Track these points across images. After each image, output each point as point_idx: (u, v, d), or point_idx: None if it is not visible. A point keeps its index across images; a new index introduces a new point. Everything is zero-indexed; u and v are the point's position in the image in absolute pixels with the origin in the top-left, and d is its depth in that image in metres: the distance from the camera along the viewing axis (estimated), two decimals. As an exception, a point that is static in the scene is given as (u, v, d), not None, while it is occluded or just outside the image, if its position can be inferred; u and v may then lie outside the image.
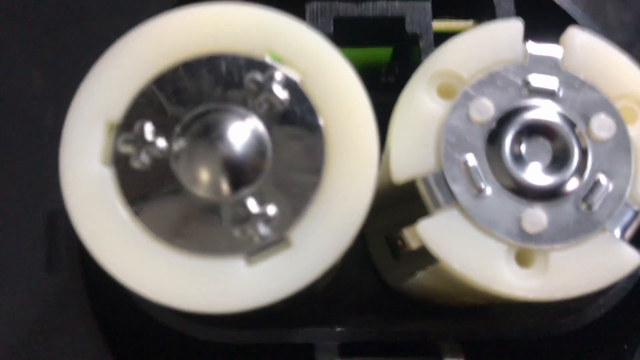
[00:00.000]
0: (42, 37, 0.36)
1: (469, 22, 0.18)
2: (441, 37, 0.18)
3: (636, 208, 0.14)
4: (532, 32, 0.17)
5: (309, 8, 0.16)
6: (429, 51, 0.16)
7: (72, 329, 0.31)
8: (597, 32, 0.19)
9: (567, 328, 0.15)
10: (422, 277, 0.17)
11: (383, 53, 0.19)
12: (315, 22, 0.16)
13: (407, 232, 0.21)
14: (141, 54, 0.13)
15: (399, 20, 0.17)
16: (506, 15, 0.17)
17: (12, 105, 0.35)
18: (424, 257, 0.17)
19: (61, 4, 0.36)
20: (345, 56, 0.18)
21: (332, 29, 0.17)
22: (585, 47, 0.15)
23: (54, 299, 0.31)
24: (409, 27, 0.17)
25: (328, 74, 0.13)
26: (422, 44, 0.16)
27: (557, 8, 0.18)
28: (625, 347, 0.17)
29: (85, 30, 0.36)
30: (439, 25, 0.18)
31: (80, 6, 0.35)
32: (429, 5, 0.17)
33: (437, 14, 0.18)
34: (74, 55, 0.35)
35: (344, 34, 0.17)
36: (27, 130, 0.35)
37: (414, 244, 0.21)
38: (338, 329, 0.15)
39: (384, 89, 0.22)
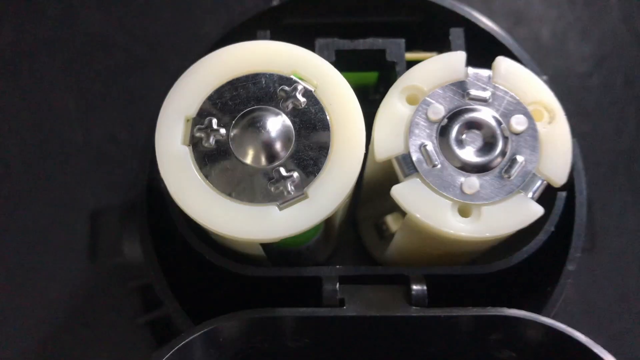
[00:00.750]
0: (75, 67, 0.40)
1: (433, 53, 0.25)
2: (413, 64, 0.26)
3: (541, 178, 0.21)
4: (477, 60, 0.24)
5: (318, 43, 0.23)
6: (402, 74, 0.23)
7: (113, 312, 0.36)
8: (528, 59, 0.26)
9: (498, 267, 0.21)
10: (397, 238, 0.24)
11: (371, 76, 0.25)
12: (323, 53, 0.23)
13: (388, 219, 0.28)
14: (208, 72, 0.20)
15: (382, 52, 0.23)
16: (458, 47, 0.23)
17: (48, 125, 0.39)
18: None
19: (92, 38, 0.40)
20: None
21: (334, 58, 0.23)
22: (508, 69, 0.21)
23: (97, 283, 0.36)
24: (389, 57, 0.23)
25: (332, 86, 0.20)
26: (397, 69, 0.23)
27: (497, 42, 0.25)
28: (548, 288, 0.24)
29: (112, 60, 0.40)
30: (411, 55, 0.24)
31: (107, 39, 0.40)
32: (403, 41, 0.23)
33: (410, 47, 0.24)
34: (101, 83, 0.39)
35: (343, 61, 0.23)
36: (62, 145, 0.39)
37: (393, 227, 0.28)
38: (337, 266, 0.22)
39: (371, 103, 0.29)
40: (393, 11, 0.25)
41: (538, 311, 0.22)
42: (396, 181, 0.21)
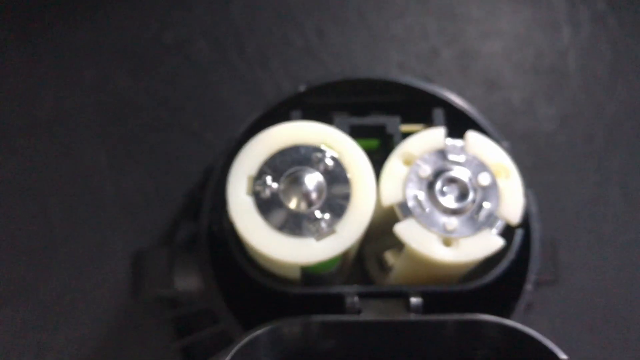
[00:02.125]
0: (108, 128, 0.45)
1: (421, 125, 0.30)
2: (406, 134, 0.36)
3: (501, 219, 0.31)
4: (455, 129, 0.35)
5: (336, 120, 0.30)
6: (398, 143, 0.29)
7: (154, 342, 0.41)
8: (492, 129, 0.37)
9: (474, 285, 0.28)
10: (397, 264, 0.34)
11: (374, 142, 0.32)
12: (340, 127, 0.29)
13: (387, 254, 0.39)
14: (263, 145, 0.29)
15: (383, 127, 0.30)
16: (439, 123, 0.30)
17: (82, 180, 0.44)
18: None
19: (122, 102, 0.45)
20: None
21: (348, 130, 0.30)
22: (476, 140, 0.27)
23: (136, 319, 0.42)
24: (388, 131, 0.30)
25: (351, 153, 0.26)
26: (395, 139, 0.30)
27: (468, 116, 0.35)
28: (512, 303, 0.34)
29: (139, 122, 0.45)
30: (405, 127, 0.30)
31: (136, 103, 0.45)
32: (398, 119, 0.30)
33: (404, 120, 0.30)
34: (130, 141, 0.45)
35: (355, 132, 0.28)
36: (93, 199, 0.44)
37: (391, 261, 0.38)
38: (355, 285, 0.31)
39: (375, 163, 0.39)
40: (389, 94, 0.36)
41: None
42: (396, 221, 0.32)
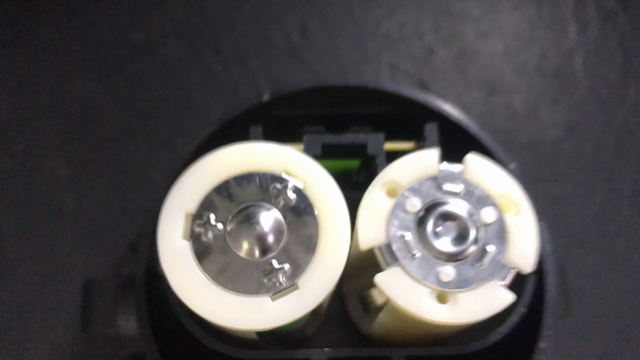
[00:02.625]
0: (68, 135, 0.41)
1: (411, 144, 0.26)
2: (392, 154, 0.28)
3: (510, 266, 0.24)
4: (451, 150, 0.27)
5: (306, 138, 0.25)
6: (382, 166, 0.24)
7: None
8: (497, 148, 0.29)
9: (476, 348, 0.23)
10: (381, 317, 0.26)
11: (355, 163, 0.27)
12: (310, 147, 0.25)
13: (374, 292, 0.30)
14: (208, 172, 0.22)
15: (363, 146, 0.25)
16: (432, 141, 0.25)
17: (40, 191, 0.40)
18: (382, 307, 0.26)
19: (85, 107, 0.41)
20: (329, 165, 0.28)
21: (320, 151, 0.25)
22: (478, 165, 0.23)
23: (90, 352, 0.37)
24: (370, 151, 0.25)
25: (319, 183, 0.22)
26: (378, 161, 0.25)
27: (469, 133, 0.28)
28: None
29: (103, 128, 0.41)
30: (390, 146, 0.25)
31: (100, 108, 0.41)
32: (382, 136, 0.25)
33: (390, 137, 0.26)
34: (93, 150, 0.41)
35: (328, 152, 0.25)
36: (52, 213, 0.40)
37: (379, 300, 0.30)
38: (326, 349, 0.23)
39: (356, 186, 0.31)
40: (373, 104, 0.28)
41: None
42: (379, 264, 0.23)
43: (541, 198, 0.39)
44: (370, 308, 0.30)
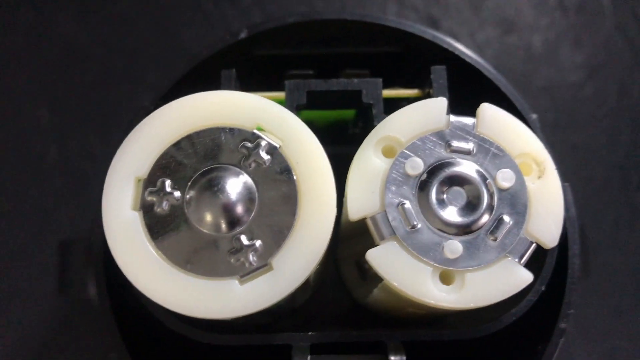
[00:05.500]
0: (49, 79, 0.38)
1: (415, 91, 0.23)
2: (392, 102, 0.23)
3: (530, 239, 0.19)
4: (461, 100, 0.22)
5: (288, 84, 0.21)
6: (379, 117, 0.21)
7: (83, 343, 0.34)
8: (517, 96, 0.24)
9: (486, 331, 0.20)
10: (376, 293, 0.22)
11: (348, 112, 0.24)
12: (293, 95, 0.21)
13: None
14: (161, 128, 0.18)
15: (357, 93, 0.21)
16: (440, 88, 0.21)
17: (20, 141, 0.37)
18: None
19: (66, 49, 0.38)
20: (318, 115, 0.23)
21: (305, 100, 0.21)
22: (494, 118, 0.19)
23: (66, 318, 0.34)
24: (365, 99, 0.21)
25: (300, 142, 0.18)
26: (374, 111, 0.21)
27: (485, 77, 0.23)
28: (539, 347, 0.22)
29: (87, 71, 0.38)
30: (390, 93, 0.22)
31: (83, 50, 0.38)
32: (380, 80, 0.21)
33: (389, 83, 0.23)
34: (76, 95, 0.38)
35: (315, 101, 0.21)
36: (34, 164, 0.37)
37: None
38: (310, 333, 0.19)
39: (351, 138, 0.26)
40: (370, 42, 0.23)
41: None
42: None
43: (559, 147, 0.38)
44: (367, 275, 0.25)
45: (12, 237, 0.36)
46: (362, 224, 0.21)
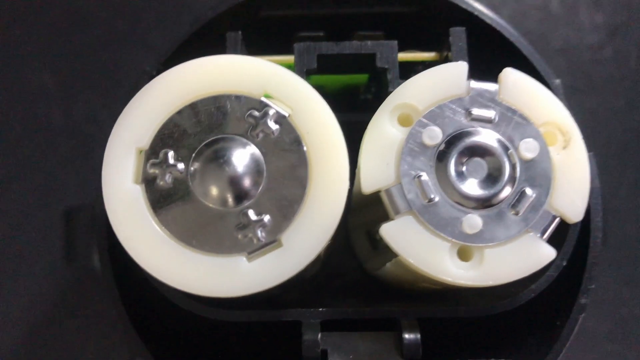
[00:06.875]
0: (52, 43, 0.37)
1: (432, 54, 0.21)
2: (408, 66, 0.22)
3: (554, 213, 0.18)
4: (482, 66, 0.21)
5: (297, 47, 0.20)
6: (395, 82, 0.19)
7: (90, 312, 0.34)
8: (539, 60, 0.23)
9: (504, 308, 0.19)
10: (389, 267, 0.21)
11: (361, 77, 0.22)
12: (303, 59, 0.19)
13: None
14: (163, 95, 0.17)
15: (371, 57, 0.20)
16: (459, 51, 0.20)
17: (24, 105, 0.36)
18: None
19: (68, 11, 0.37)
20: (329, 80, 0.22)
21: (315, 65, 0.19)
22: (517, 84, 0.18)
23: (72, 286, 0.34)
24: (379, 63, 0.20)
25: (310, 110, 0.17)
26: (389, 76, 0.20)
27: (506, 40, 0.22)
28: (558, 323, 0.21)
29: (90, 35, 0.37)
30: (406, 56, 0.21)
31: (85, 12, 0.37)
32: (395, 43, 0.20)
33: (405, 47, 0.21)
34: (80, 59, 0.36)
35: (327, 66, 0.20)
36: (38, 130, 0.36)
37: None
38: (320, 309, 0.19)
39: (363, 104, 0.25)
40: (385, 1, 0.21)
41: (548, 348, 0.19)
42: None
43: (575, 111, 0.37)
44: (379, 246, 0.24)
45: (18, 204, 0.36)
46: (373, 200, 0.20)
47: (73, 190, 0.36)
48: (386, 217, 0.24)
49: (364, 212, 0.25)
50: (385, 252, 0.23)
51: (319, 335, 0.18)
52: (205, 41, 0.21)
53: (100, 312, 0.32)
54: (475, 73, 0.19)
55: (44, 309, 0.33)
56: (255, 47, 0.21)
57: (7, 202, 0.35)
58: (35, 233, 0.35)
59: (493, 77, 0.18)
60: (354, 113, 0.20)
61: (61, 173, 0.36)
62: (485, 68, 0.19)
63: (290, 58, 0.20)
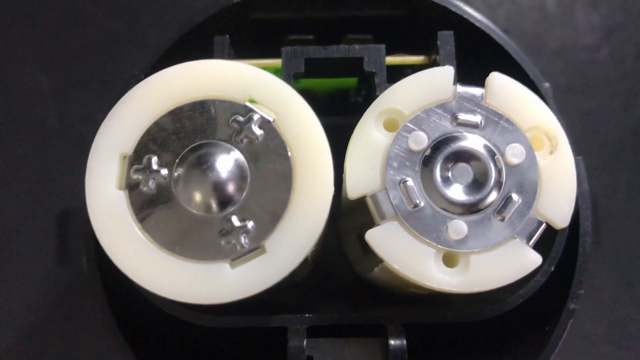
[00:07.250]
0: (48, 44, 0.37)
1: (421, 57, 0.21)
2: (397, 69, 0.22)
3: (540, 219, 0.18)
4: (469, 69, 0.20)
5: (284, 51, 0.19)
6: (382, 86, 0.19)
7: (83, 315, 0.34)
8: (529, 63, 0.23)
9: (492, 313, 0.19)
10: (377, 272, 0.21)
11: (351, 80, 0.22)
12: (290, 63, 0.19)
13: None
14: (147, 100, 0.16)
15: (359, 60, 0.20)
16: (447, 55, 0.20)
17: (19, 106, 0.36)
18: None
19: (64, 12, 0.37)
20: (318, 83, 0.22)
21: (303, 69, 0.19)
22: (504, 88, 0.18)
23: (65, 289, 0.34)
24: (367, 66, 0.20)
25: (295, 115, 0.17)
26: (377, 80, 0.19)
27: (495, 44, 0.22)
28: (547, 328, 0.21)
29: (86, 36, 0.37)
30: (394, 60, 0.21)
31: (81, 13, 0.37)
32: (383, 47, 0.20)
33: (395, 50, 0.21)
34: (76, 59, 0.36)
35: (315, 70, 0.20)
36: (33, 131, 0.36)
37: None
38: (307, 315, 0.19)
39: (354, 107, 0.25)
40: (374, 4, 0.21)
41: (536, 353, 0.19)
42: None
43: (571, 112, 0.36)
44: (369, 250, 0.24)
45: (14, 204, 0.35)
46: (360, 205, 0.19)
47: (68, 192, 0.36)
48: (373, 222, 0.24)
49: (354, 216, 0.24)
50: (373, 256, 0.23)
51: (305, 342, 0.18)
52: (195, 45, 0.21)
53: (93, 315, 0.32)
54: (466, 76, 0.19)
55: (37, 311, 0.33)
56: (244, 50, 0.20)
57: (1, 203, 0.35)
58: (29, 234, 0.35)
59: (483, 80, 0.18)
60: (345, 116, 0.20)
61: (56, 174, 0.36)
62: (475, 71, 0.19)
63: (277, 62, 0.20)
